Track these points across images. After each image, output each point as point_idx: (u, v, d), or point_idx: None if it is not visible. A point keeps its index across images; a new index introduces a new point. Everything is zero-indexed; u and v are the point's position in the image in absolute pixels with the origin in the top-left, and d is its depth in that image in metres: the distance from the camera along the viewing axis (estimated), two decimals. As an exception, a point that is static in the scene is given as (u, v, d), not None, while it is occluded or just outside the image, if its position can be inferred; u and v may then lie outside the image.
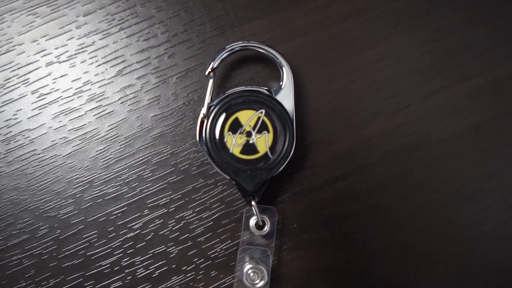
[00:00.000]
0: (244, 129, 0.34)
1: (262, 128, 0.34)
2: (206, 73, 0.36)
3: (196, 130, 0.35)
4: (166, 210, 0.37)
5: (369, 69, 0.38)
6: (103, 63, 0.38)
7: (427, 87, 0.39)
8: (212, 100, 0.35)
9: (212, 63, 0.36)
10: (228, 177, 0.35)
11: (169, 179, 0.37)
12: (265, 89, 0.35)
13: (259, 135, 0.34)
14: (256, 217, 0.36)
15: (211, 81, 0.36)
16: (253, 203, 0.35)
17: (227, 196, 0.37)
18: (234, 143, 0.34)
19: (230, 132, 0.34)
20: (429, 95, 0.38)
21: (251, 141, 0.34)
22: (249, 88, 0.35)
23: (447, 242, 0.38)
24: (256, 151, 0.34)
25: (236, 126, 0.34)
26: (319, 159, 0.38)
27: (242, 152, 0.34)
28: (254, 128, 0.34)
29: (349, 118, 0.38)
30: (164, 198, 0.37)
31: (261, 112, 0.35)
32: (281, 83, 0.36)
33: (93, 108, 0.38)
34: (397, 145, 0.38)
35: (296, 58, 0.38)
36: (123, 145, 0.37)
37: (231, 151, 0.34)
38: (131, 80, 0.38)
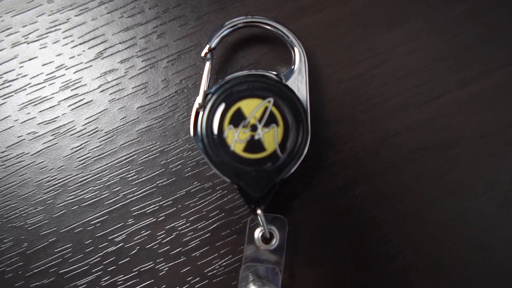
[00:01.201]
0: (248, 122, 0.28)
1: (270, 120, 0.28)
2: (202, 54, 0.30)
3: (190, 123, 0.29)
4: (154, 219, 0.31)
5: (396, 52, 0.32)
6: (80, 43, 0.32)
7: (463, 73, 0.33)
8: (209, 87, 0.29)
9: (209, 42, 0.30)
10: (228, 180, 0.29)
11: (158, 182, 0.31)
12: (274, 74, 0.29)
13: (266, 129, 0.28)
14: (262, 228, 0.30)
15: (208, 64, 0.30)
16: (258, 211, 0.29)
17: (228, 202, 0.31)
18: (236, 139, 0.28)
19: (231, 126, 0.28)
20: (466, 83, 0.32)
21: (256, 137, 0.28)
22: (254, 72, 0.29)
23: (489, 260, 0.32)
24: (263, 149, 0.28)
25: (238, 119, 0.28)
26: (337, 158, 0.32)
27: (245, 149, 0.28)
28: (260, 121, 0.28)
29: (372, 110, 0.32)
30: (152, 205, 0.31)
31: (269, 101, 0.28)
32: (292, 67, 0.30)
33: (67, 98, 0.32)
34: (428, 141, 0.32)
35: (310, 37, 0.32)
36: (103, 142, 0.31)
37: (232, 148, 0.28)
38: (113, 64, 0.32)
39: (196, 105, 0.29)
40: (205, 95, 0.29)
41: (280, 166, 0.28)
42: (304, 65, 0.30)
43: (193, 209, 0.31)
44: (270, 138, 0.28)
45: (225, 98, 0.29)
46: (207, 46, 0.30)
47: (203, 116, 0.29)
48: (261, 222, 0.29)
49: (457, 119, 0.32)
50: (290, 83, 0.29)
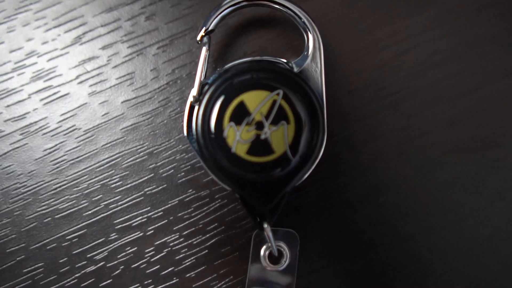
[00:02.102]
0: (253, 119, 0.23)
1: (279, 117, 0.23)
2: (198, 38, 0.25)
3: (183, 120, 0.24)
4: (141, 234, 0.26)
5: (425, 37, 0.28)
6: (54, 27, 0.27)
7: (505, 61, 0.28)
8: (206, 77, 0.25)
9: (206, 24, 0.25)
10: (229, 189, 0.24)
11: (146, 189, 0.26)
12: (283, 62, 0.25)
13: (274, 127, 0.23)
14: (269, 245, 0.25)
15: (204, 49, 0.25)
16: (265, 225, 0.24)
17: (228, 213, 0.26)
18: (238, 139, 0.23)
19: (232, 123, 0.23)
20: (508, 73, 0.28)
21: (263, 136, 0.23)
22: (259, 58, 0.24)
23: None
24: (271, 151, 0.23)
25: (241, 115, 0.23)
26: (357, 161, 0.27)
27: (250, 152, 0.23)
28: (267, 117, 0.23)
29: (397, 105, 0.27)
30: (139, 217, 0.26)
31: (278, 94, 0.24)
32: (305, 53, 0.25)
33: (39, 90, 0.27)
34: (464, 141, 0.27)
35: (325, 19, 0.27)
36: (81, 142, 0.27)
37: (233, 150, 0.23)
38: (93, 51, 0.27)
39: (190, 99, 0.24)
40: (201, 86, 0.24)
41: (291, 171, 0.24)
42: (319, 51, 0.25)
43: (187, 222, 0.26)
44: (279, 138, 0.23)
45: (225, 90, 0.24)
46: (203, 28, 0.25)
47: (198, 111, 0.24)
48: (268, 238, 0.24)
49: (498, 116, 0.27)
50: (303, 72, 0.24)
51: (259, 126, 0.23)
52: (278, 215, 0.24)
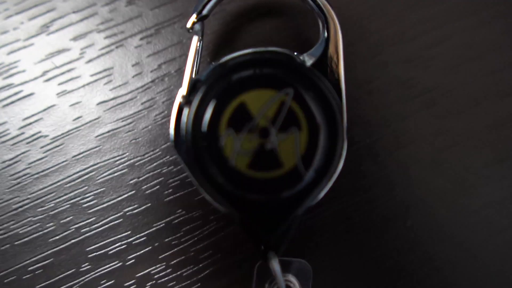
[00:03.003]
0: (257, 125, 0.19)
1: (289, 122, 0.19)
2: (189, 24, 0.20)
3: (170, 126, 0.20)
4: (120, 263, 0.22)
5: (462, 25, 0.23)
6: (17, 13, 0.23)
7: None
8: (198, 73, 0.20)
9: (198, 8, 0.20)
10: (225, 211, 0.19)
11: (126, 209, 0.22)
12: (293, 54, 0.20)
13: (283, 135, 0.19)
14: (276, 279, 0.20)
15: (196, 39, 0.20)
16: (271, 256, 0.20)
17: (225, 239, 0.22)
18: (239, 150, 0.19)
19: (230, 130, 0.19)
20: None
21: (269, 146, 0.19)
22: (263, 49, 0.20)
23: None
24: (278, 164, 0.19)
25: (241, 119, 0.19)
26: (381, 175, 0.22)
27: (252, 165, 0.19)
28: (274, 123, 0.19)
29: (430, 106, 0.23)
30: (118, 243, 0.22)
31: (287, 94, 0.19)
32: (319, 44, 0.20)
33: (-2, 89, 0.22)
34: (510, 148, 0.23)
35: (344, 3, 0.23)
36: (48, 152, 0.22)
37: (232, 163, 0.19)
38: (63, 42, 0.23)
39: (179, 100, 0.19)
40: (193, 84, 0.19)
41: (303, 190, 0.19)
42: (336, 41, 0.20)
43: (176, 249, 0.22)
44: (289, 148, 0.19)
45: (222, 89, 0.19)
46: (195, 13, 0.20)
47: (189, 115, 0.19)
48: (274, 271, 0.20)
49: (551, 119, 0.23)
50: (317, 66, 0.20)
51: (264, 133, 0.19)
52: (287, 243, 0.19)
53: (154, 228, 0.22)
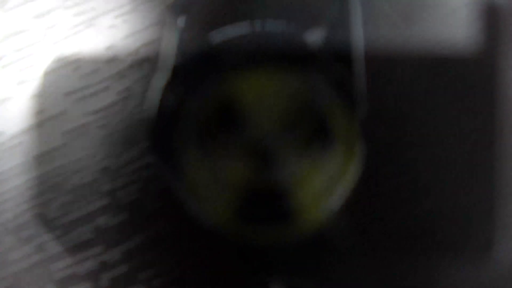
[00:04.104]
0: (254, 126, 0.15)
1: (297, 121, 0.15)
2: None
3: (148, 122, 0.16)
4: (93, 287, 0.18)
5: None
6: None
7: None
8: (182, 58, 0.16)
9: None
10: (210, 230, 0.16)
11: (99, 222, 0.18)
12: (299, 31, 0.16)
13: (289, 139, 0.15)
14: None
15: (178, 17, 0.16)
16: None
17: (217, 255, 0.18)
18: (231, 160, 0.15)
19: (219, 133, 0.15)
20: None
21: (270, 156, 0.15)
22: (261, 28, 0.16)
23: None
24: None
25: (234, 119, 0.15)
26: (406, 179, 0.19)
27: (248, 180, 0.15)
28: (277, 123, 0.15)
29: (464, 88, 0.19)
30: (90, 262, 0.18)
31: (293, 86, 0.15)
32: (331, 16, 0.16)
33: None
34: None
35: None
36: (5, 153, 0.18)
37: (221, 174, 0.15)
38: (23, 21, 0.19)
39: (157, 90, 0.16)
40: (174, 71, 0.16)
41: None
42: (356, 15, 0.16)
43: (158, 268, 0.18)
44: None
45: (209, 78, 0.15)
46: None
47: (166, 110, 0.15)
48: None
49: None
50: (330, 48, 0.16)
51: (264, 138, 0.15)
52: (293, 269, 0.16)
53: (133, 245, 0.18)
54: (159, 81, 0.15)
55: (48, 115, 0.19)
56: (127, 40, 0.19)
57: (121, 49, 0.19)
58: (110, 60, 0.19)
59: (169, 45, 0.16)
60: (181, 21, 0.16)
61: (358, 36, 0.15)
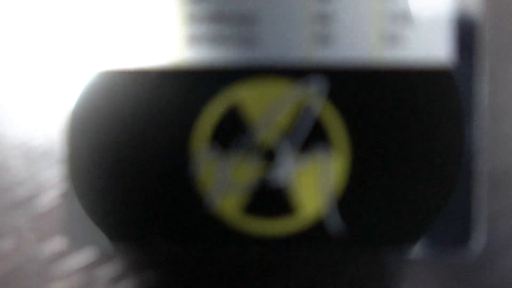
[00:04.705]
0: (258, 141, 0.11)
1: (314, 137, 0.11)
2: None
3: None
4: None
5: None
6: None
7: None
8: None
9: None
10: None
11: None
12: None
13: (304, 159, 0.11)
14: None
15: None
16: None
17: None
18: (226, 182, 0.11)
19: (214, 147, 0.11)
20: None
21: (277, 177, 0.11)
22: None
23: None
24: (289, 209, 0.11)
25: (233, 130, 0.11)
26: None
27: (249, 209, 0.11)
28: (287, 138, 0.11)
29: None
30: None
31: (308, 88, 0.11)
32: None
33: None
34: None
35: None
36: None
37: (214, 204, 0.11)
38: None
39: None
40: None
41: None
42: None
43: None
44: (311, 181, 0.11)
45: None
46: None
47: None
48: None
49: None
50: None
51: (268, 155, 0.11)
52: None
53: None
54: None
55: None
56: None
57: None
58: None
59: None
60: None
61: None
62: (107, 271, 0.13)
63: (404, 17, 0.11)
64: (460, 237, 0.11)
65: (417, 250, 0.11)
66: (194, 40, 0.11)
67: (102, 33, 0.11)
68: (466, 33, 0.11)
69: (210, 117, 0.11)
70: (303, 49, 0.11)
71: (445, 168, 0.11)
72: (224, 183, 0.11)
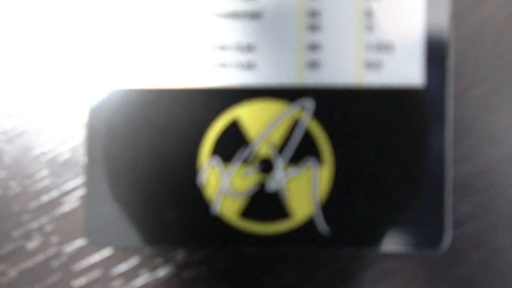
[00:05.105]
0: (256, 153, 0.13)
1: (305, 150, 0.13)
2: None
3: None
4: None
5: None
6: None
7: None
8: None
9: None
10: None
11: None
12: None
13: (295, 170, 0.13)
14: None
15: None
16: None
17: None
18: (227, 189, 0.13)
19: (215, 159, 0.13)
20: None
21: (272, 186, 0.13)
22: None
23: None
24: (285, 213, 0.12)
25: (233, 144, 0.13)
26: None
27: (246, 214, 0.13)
28: (281, 151, 0.13)
29: None
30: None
31: (303, 108, 0.13)
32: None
33: None
34: None
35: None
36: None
37: (215, 210, 0.13)
38: None
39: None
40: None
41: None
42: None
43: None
44: (303, 189, 0.12)
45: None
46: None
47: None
48: None
49: None
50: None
51: (266, 166, 0.13)
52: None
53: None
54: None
55: None
56: None
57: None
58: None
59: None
60: None
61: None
62: (123, 268, 0.14)
63: (382, 46, 0.13)
64: (433, 236, 0.13)
65: (398, 247, 0.13)
66: (203, 65, 0.13)
67: (117, 55, 0.13)
68: (436, 58, 0.13)
69: (214, 132, 0.13)
70: (295, 74, 0.13)
71: (412, 176, 0.12)
72: (225, 190, 0.13)
